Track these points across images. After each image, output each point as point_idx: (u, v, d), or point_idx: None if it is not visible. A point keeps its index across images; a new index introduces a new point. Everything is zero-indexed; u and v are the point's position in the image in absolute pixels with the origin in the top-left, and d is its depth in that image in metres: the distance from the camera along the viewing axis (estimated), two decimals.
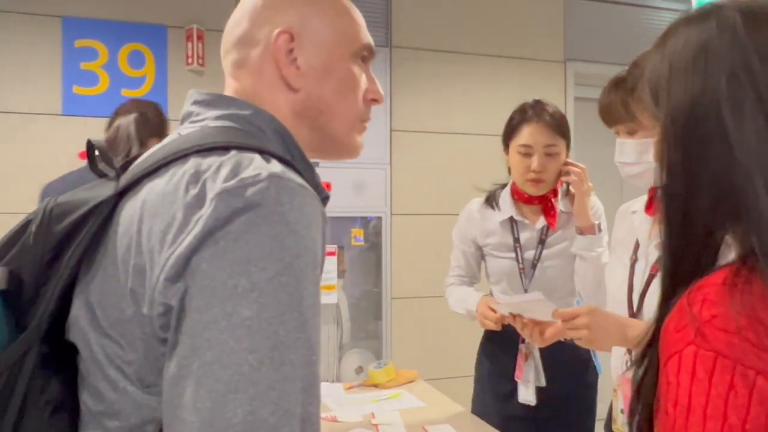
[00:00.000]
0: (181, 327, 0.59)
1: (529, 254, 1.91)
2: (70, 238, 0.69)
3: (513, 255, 1.93)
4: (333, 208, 3.20)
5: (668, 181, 0.66)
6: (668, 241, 0.67)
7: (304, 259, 0.61)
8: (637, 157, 1.39)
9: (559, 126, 1.89)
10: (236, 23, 0.81)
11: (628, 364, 1.32)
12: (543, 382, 1.82)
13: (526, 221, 1.93)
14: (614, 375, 1.44)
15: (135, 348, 0.64)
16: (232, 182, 0.61)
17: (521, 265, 1.91)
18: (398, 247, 3.36)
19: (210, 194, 0.61)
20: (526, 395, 1.84)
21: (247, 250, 0.59)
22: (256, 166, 0.63)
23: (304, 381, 0.59)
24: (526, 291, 1.90)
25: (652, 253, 1.38)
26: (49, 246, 0.69)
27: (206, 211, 0.60)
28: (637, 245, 1.43)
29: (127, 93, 3.00)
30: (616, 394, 1.43)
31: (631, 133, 1.41)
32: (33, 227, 0.70)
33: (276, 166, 0.64)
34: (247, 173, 0.62)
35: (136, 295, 0.64)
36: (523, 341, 1.83)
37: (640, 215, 1.46)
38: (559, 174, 1.89)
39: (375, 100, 0.88)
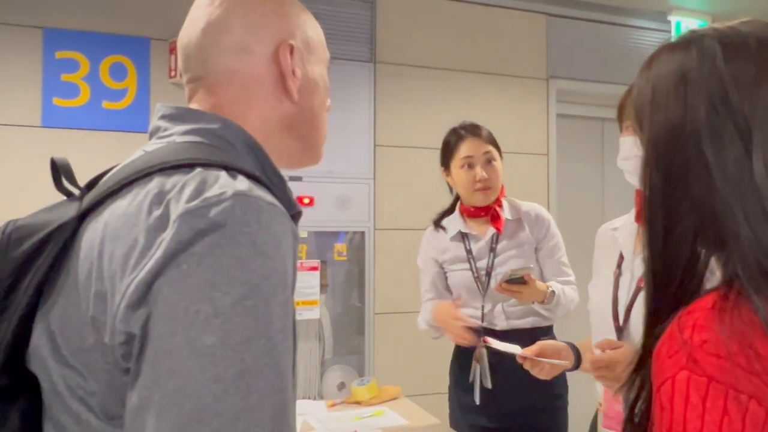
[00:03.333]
0: (143, 356, 0.57)
1: (482, 263, 2.03)
2: (30, 264, 0.65)
3: (467, 266, 2.04)
4: (316, 223, 3.19)
5: (649, 205, 0.67)
6: (651, 266, 0.67)
7: (272, 280, 0.58)
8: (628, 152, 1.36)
9: (490, 138, 2.07)
10: (224, 27, 0.76)
11: None
12: (488, 384, 1.92)
13: (475, 233, 2.06)
14: (599, 390, 1.44)
15: (97, 378, 0.61)
16: (195, 202, 0.59)
17: (476, 274, 2.02)
18: (381, 261, 3.35)
19: (173, 215, 0.59)
20: (473, 395, 1.95)
21: (210, 273, 0.56)
22: (222, 184, 0.61)
23: (274, 409, 0.57)
24: (483, 299, 2.01)
25: (637, 266, 1.38)
26: (6, 273, 0.66)
27: (169, 233, 0.58)
28: (621, 259, 1.44)
29: (109, 105, 2.97)
30: (601, 407, 1.43)
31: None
32: None
33: (242, 183, 0.62)
34: (211, 192, 0.60)
35: (98, 323, 0.61)
36: (480, 344, 1.95)
37: (623, 231, 1.47)
38: (503, 188, 2.06)
39: (328, 109, 0.87)
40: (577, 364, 1.58)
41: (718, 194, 0.61)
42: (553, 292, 1.91)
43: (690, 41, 0.67)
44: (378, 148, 3.38)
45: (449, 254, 2.07)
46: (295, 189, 3.37)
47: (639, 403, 0.65)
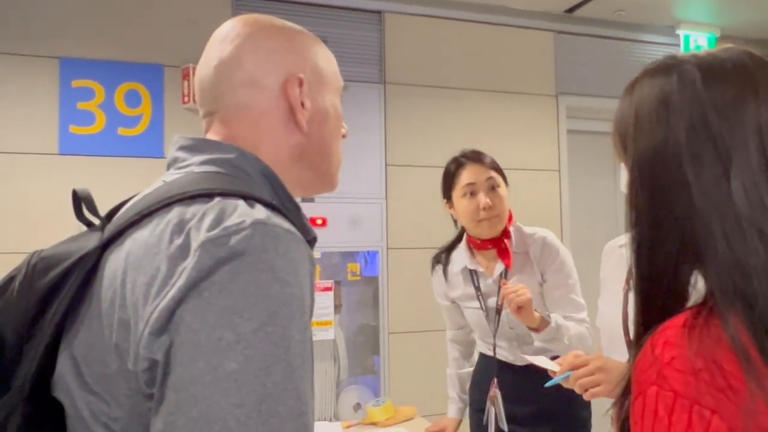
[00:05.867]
0: (167, 382, 0.58)
1: (492, 301, 1.90)
2: (54, 294, 0.67)
3: (477, 304, 1.93)
4: (329, 244, 3.20)
5: (636, 224, 0.69)
6: (639, 284, 0.69)
7: (291, 306, 0.60)
8: None
9: (494, 164, 1.91)
10: (236, 64, 0.78)
11: None
12: (505, 427, 1.86)
13: (481, 269, 1.92)
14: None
15: (120, 404, 0.63)
16: (216, 231, 0.60)
17: (485, 313, 1.92)
18: (395, 281, 3.35)
19: (194, 244, 0.60)
20: None
21: (231, 300, 0.58)
22: (240, 213, 0.63)
23: None
24: (494, 337, 1.92)
25: None
26: (32, 302, 0.67)
27: (190, 262, 0.59)
28: (629, 275, 1.43)
29: (124, 132, 3.02)
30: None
31: None
32: (16, 283, 0.69)
33: (260, 212, 0.64)
34: (230, 221, 0.61)
35: (121, 350, 0.62)
36: (494, 385, 1.89)
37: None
38: (510, 215, 1.90)
39: (344, 136, 0.89)
40: None
41: (699, 214, 0.63)
42: (548, 322, 1.72)
43: (670, 67, 0.70)
44: (389, 167, 3.40)
45: (459, 291, 1.99)
46: (307, 210, 3.37)
47: (629, 418, 0.67)
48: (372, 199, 3.35)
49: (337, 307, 3.24)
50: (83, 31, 2.99)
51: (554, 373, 1.37)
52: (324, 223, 3.20)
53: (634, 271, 0.70)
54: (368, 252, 3.40)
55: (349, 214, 3.28)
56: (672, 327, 0.62)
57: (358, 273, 3.38)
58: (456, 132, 3.50)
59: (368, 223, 3.34)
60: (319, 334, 3.06)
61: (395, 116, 3.44)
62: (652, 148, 0.67)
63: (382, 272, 3.35)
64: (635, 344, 0.68)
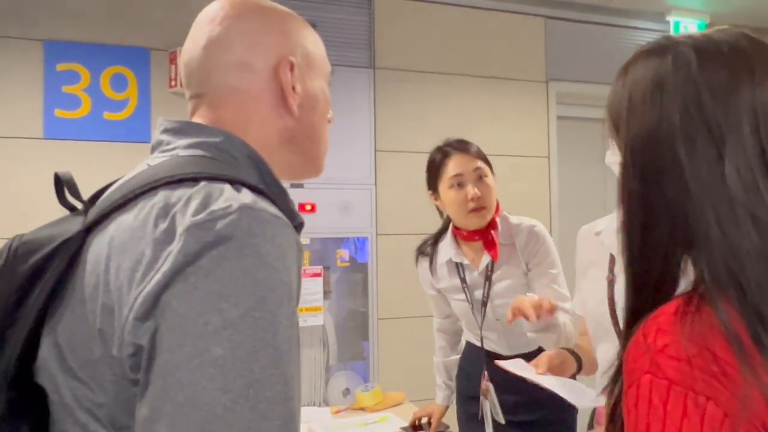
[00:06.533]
0: (152, 367, 0.57)
1: (478, 293, 1.89)
2: (36, 278, 0.67)
3: (463, 296, 1.92)
4: (318, 229, 3.19)
5: (628, 208, 0.68)
6: (629, 268, 0.68)
7: (278, 291, 0.59)
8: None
9: (480, 154, 1.88)
10: (225, 46, 0.77)
11: None
12: (501, 420, 1.83)
13: (467, 261, 1.90)
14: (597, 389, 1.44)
15: (105, 390, 0.62)
16: (202, 215, 0.60)
17: (471, 305, 1.90)
18: (384, 267, 3.35)
19: (179, 229, 0.60)
20: (486, 429, 1.87)
21: (218, 285, 0.57)
22: (227, 197, 0.62)
23: (281, 418, 0.57)
24: (480, 329, 1.91)
25: None
26: (14, 287, 0.67)
27: (176, 246, 0.59)
28: (612, 263, 1.42)
29: (110, 116, 2.98)
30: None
31: None
32: None
33: (247, 197, 0.63)
34: (217, 205, 0.60)
35: (105, 336, 0.61)
36: (485, 378, 1.88)
37: (607, 233, 1.45)
38: (497, 205, 1.87)
39: (329, 121, 0.88)
40: (578, 369, 1.57)
41: (691, 197, 0.62)
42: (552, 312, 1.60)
43: (665, 48, 0.68)
44: (379, 153, 3.39)
45: (444, 283, 1.98)
46: (297, 196, 3.38)
47: (620, 405, 0.66)
48: (361, 185, 3.34)
49: (327, 293, 3.24)
50: (68, 13, 2.93)
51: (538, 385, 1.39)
52: (313, 209, 3.19)
53: (624, 255, 0.69)
54: (357, 238, 3.39)
55: (338, 200, 3.27)
56: (664, 314, 0.61)
57: (347, 259, 3.37)
58: (446, 117, 3.48)
59: (357, 209, 3.33)
60: (309, 320, 3.07)
61: (385, 101, 3.42)
62: (645, 131, 0.66)
63: (372, 258, 3.35)
64: (625, 331, 0.67)
